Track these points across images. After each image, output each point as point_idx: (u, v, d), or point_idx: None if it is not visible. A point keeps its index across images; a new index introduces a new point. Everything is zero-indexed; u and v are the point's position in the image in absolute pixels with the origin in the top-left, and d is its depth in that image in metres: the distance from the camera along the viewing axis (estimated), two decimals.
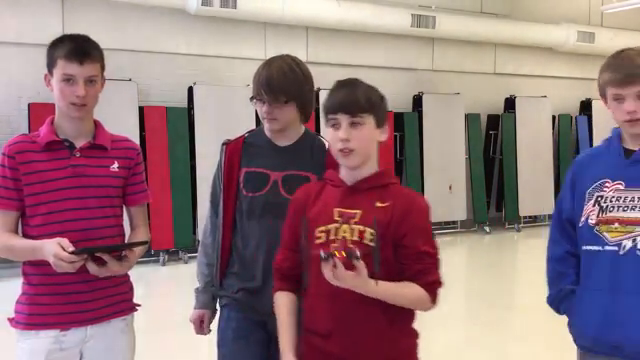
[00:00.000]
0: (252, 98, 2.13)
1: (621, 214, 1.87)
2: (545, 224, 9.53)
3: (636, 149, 1.91)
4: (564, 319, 2.04)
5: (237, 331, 2.13)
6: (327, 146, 1.98)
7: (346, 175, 1.79)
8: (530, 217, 10.13)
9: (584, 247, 1.94)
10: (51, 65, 1.97)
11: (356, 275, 1.58)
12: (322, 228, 1.74)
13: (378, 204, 1.73)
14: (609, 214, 1.88)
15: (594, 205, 1.90)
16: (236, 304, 2.16)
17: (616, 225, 1.86)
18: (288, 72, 2.09)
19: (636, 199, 1.86)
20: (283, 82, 2.05)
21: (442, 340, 4.83)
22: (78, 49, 1.94)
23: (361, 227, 1.71)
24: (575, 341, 2.02)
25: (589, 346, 1.96)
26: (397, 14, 9.01)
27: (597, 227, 1.89)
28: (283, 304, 1.83)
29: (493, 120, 10.20)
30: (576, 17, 10.90)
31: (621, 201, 1.87)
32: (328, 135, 1.79)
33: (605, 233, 1.88)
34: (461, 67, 10.09)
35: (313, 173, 2.05)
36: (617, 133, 1.99)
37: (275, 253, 1.91)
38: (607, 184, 1.91)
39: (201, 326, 2.27)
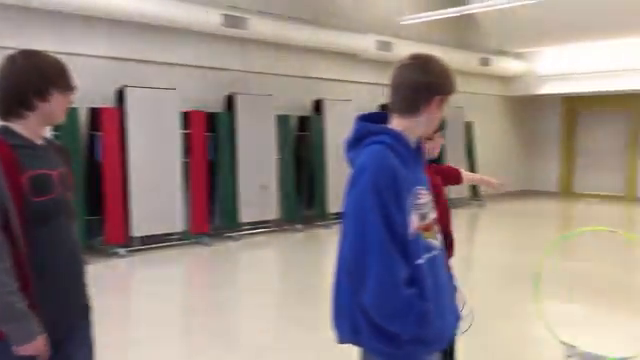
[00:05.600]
0: None
1: (432, 217, 1.96)
2: None
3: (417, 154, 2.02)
4: None
5: None
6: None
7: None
8: (338, 214, 10.63)
9: (420, 260, 1.86)
10: None
11: None
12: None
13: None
14: (427, 220, 1.92)
15: (416, 213, 1.87)
16: None
17: (432, 230, 1.95)
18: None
19: (431, 201, 1.98)
20: None
21: (254, 338, 4.85)
22: None
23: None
24: (423, 356, 1.95)
25: (437, 348, 1.99)
26: (207, 13, 8.90)
27: (424, 235, 1.90)
28: None
29: (303, 121, 10.55)
30: (376, 27, 11.72)
31: (428, 206, 1.94)
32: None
33: (429, 239, 1.93)
34: (272, 69, 10.28)
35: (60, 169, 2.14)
36: (400, 132, 1.95)
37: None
38: (421, 191, 1.92)
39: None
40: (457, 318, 2.11)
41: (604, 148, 15.36)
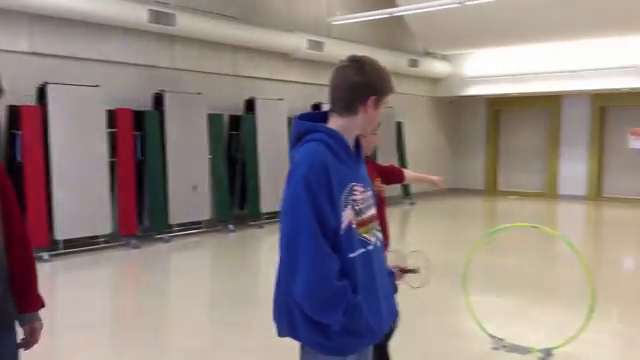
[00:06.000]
0: None
1: (368, 214, 2.01)
2: None
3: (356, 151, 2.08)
4: None
5: None
6: None
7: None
8: (270, 213, 10.60)
9: (353, 254, 1.92)
10: None
11: None
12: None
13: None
14: (363, 216, 1.98)
15: (351, 209, 1.92)
16: None
17: (367, 225, 2.00)
18: None
19: (369, 198, 2.04)
20: None
21: (187, 342, 4.74)
22: None
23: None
24: (356, 348, 2.00)
25: (369, 343, 2.04)
26: (133, 8, 8.64)
27: (358, 230, 1.95)
28: None
29: (235, 121, 10.43)
30: (308, 27, 11.74)
31: (365, 202, 1.99)
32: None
33: (364, 234, 1.98)
34: (202, 67, 10.10)
35: None
36: (336, 131, 1.99)
37: None
38: (356, 187, 1.96)
39: None
40: (393, 314, 2.16)
41: (526, 147, 16.04)
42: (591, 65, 13.23)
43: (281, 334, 2.03)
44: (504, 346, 4.42)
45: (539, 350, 4.29)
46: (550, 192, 15.36)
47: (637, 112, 14.31)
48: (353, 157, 2.01)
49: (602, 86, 13.35)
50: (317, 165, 1.86)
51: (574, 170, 15.03)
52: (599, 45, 13.04)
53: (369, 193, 2.05)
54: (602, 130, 14.76)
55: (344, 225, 1.89)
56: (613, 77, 13.07)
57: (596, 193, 14.72)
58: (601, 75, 13.20)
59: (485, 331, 4.57)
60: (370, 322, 1.95)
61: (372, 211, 2.05)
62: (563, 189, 15.22)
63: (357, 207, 1.95)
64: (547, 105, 15.30)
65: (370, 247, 1.99)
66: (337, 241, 1.88)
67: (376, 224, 2.08)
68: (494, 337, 4.52)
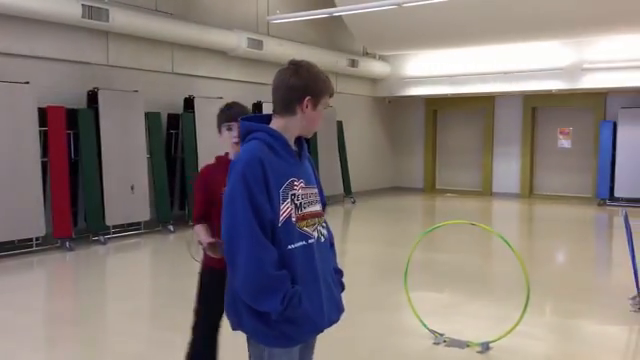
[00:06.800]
0: None
1: (309, 209, 2.12)
2: None
3: (298, 150, 2.18)
4: None
5: None
6: None
7: (234, 157, 2.45)
8: None
9: (292, 246, 2.03)
10: None
11: None
12: (223, 192, 2.10)
13: None
14: (304, 210, 2.09)
15: (291, 203, 2.04)
16: None
17: (308, 220, 2.11)
18: None
19: (311, 195, 2.15)
20: None
21: (126, 346, 4.61)
22: None
23: None
24: (285, 341, 2.07)
25: (309, 337, 2.17)
26: (66, 3, 8.32)
27: (298, 224, 2.06)
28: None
29: (173, 119, 10.23)
30: (247, 25, 11.64)
31: (306, 198, 2.11)
32: (224, 137, 2.98)
33: (305, 228, 2.09)
34: (139, 64, 9.85)
35: None
36: (277, 131, 2.12)
37: None
38: (295, 182, 2.08)
39: None
40: (337, 309, 2.23)
41: (463, 146, 16.47)
42: (523, 67, 13.73)
43: (234, 328, 2.12)
44: (444, 341, 4.53)
45: (478, 344, 4.42)
46: (485, 190, 15.84)
47: (565, 112, 14.95)
48: (293, 155, 2.12)
49: (533, 87, 13.89)
50: (253, 160, 1.99)
51: (507, 168, 15.56)
52: (531, 48, 13.54)
53: (313, 190, 2.16)
54: (533, 130, 15.34)
55: (281, 218, 2.01)
56: (544, 79, 13.62)
57: (528, 190, 15.29)
58: (532, 77, 13.74)
59: (426, 327, 4.67)
60: (310, 312, 2.04)
61: (316, 207, 2.16)
62: (497, 187, 15.72)
63: (297, 201, 2.06)
64: (482, 105, 15.76)
65: (311, 241, 2.09)
66: (275, 232, 1.99)
67: (321, 220, 2.19)
68: (434, 332, 4.62)
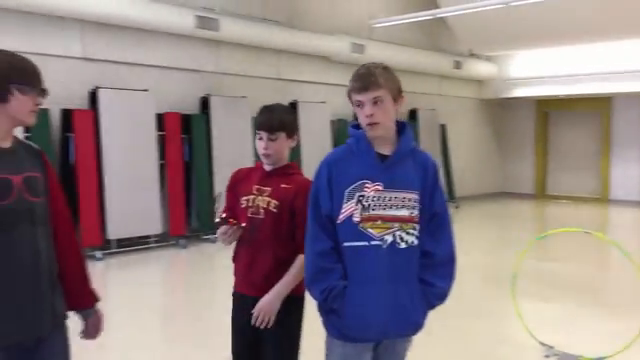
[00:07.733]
0: None
1: (382, 212, 2.09)
2: None
3: (387, 153, 2.16)
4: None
5: None
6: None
7: (266, 166, 2.59)
8: None
9: (347, 243, 2.09)
10: None
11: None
12: (245, 197, 2.55)
13: (282, 185, 2.50)
14: (372, 212, 2.08)
15: (357, 204, 2.07)
16: None
17: (379, 222, 2.08)
18: None
19: (393, 199, 2.11)
20: None
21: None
22: None
23: (269, 199, 2.48)
24: (337, 333, 2.15)
25: (357, 336, 2.13)
26: (180, 14, 8.82)
27: (361, 224, 2.07)
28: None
29: None
30: (349, 29, 11.74)
31: (381, 201, 2.09)
32: (257, 144, 2.56)
33: (370, 229, 2.07)
34: (246, 71, 10.22)
35: (40, 172, 2.12)
36: (363, 135, 2.18)
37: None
38: (367, 185, 2.10)
39: None
40: (406, 323, 2.13)
41: (577, 150, 15.62)
42: None
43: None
44: (555, 354, 4.33)
45: (591, 359, 4.18)
46: (602, 196, 14.92)
47: None
48: (374, 158, 2.14)
49: None
50: (323, 163, 2.21)
51: (626, 174, 14.56)
52: None
53: (397, 194, 2.10)
54: None
55: (342, 216, 2.10)
56: None
57: None
58: None
59: (535, 338, 4.48)
60: (356, 312, 2.06)
61: (397, 212, 2.10)
62: (615, 193, 14.76)
63: (365, 203, 2.09)
64: (598, 106, 14.87)
65: (375, 242, 2.07)
66: (333, 227, 2.12)
67: (404, 226, 2.10)
68: (544, 345, 4.43)
